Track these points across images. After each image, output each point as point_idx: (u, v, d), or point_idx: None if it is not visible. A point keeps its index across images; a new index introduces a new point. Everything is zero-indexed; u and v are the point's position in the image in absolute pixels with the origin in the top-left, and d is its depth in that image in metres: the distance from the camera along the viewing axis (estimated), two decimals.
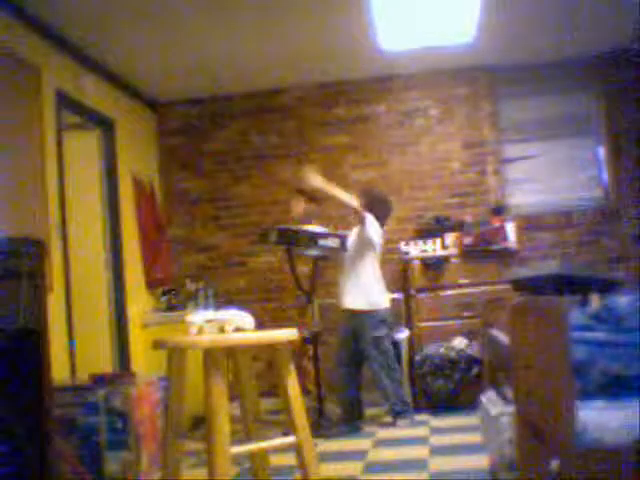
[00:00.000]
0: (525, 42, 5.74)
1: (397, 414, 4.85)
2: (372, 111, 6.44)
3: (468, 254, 5.70)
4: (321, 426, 4.70)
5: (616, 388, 1.92)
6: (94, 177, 5.51)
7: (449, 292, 5.64)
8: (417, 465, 3.65)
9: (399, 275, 6.02)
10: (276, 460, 3.06)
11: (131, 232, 5.84)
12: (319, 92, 6.49)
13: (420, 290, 5.65)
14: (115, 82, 5.74)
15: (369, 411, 5.26)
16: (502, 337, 2.65)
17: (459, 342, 5.32)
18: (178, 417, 2.66)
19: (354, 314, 4.89)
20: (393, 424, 4.85)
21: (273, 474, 2.85)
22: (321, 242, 4.72)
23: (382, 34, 5.31)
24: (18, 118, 4.26)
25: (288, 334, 2.63)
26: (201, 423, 3.32)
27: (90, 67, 5.29)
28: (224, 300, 5.98)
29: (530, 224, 6.11)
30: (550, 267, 2.48)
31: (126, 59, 5.48)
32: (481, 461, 3.27)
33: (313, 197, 5.04)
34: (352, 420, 4.87)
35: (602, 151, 6.22)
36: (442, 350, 5.24)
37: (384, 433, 4.69)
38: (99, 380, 3.65)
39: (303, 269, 5.39)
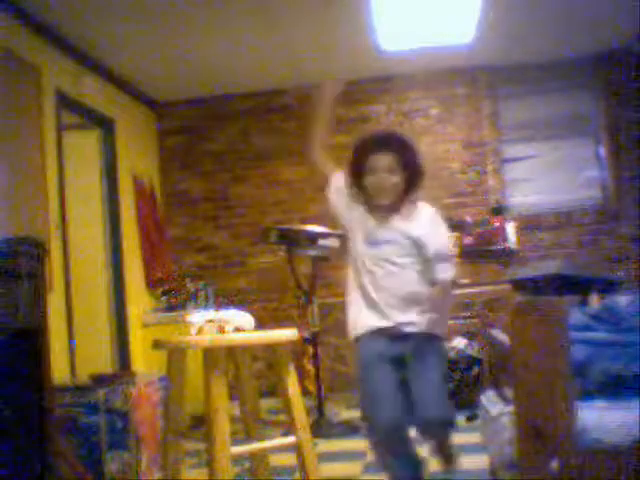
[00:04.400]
0: (525, 42, 5.74)
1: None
2: (372, 111, 6.44)
3: (468, 254, 5.69)
4: (321, 426, 4.69)
5: (616, 388, 1.92)
6: (94, 177, 5.51)
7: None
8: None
9: None
10: (276, 460, 3.06)
11: (131, 232, 5.84)
12: (319, 92, 6.47)
13: None
14: (115, 82, 5.74)
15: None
16: (502, 337, 2.65)
17: (459, 342, 5.31)
18: (178, 417, 2.66)
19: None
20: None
21: (273, 474, 2.85)
22: (321, 242, 4.71)
23: (382, 34, 5.31)
24: (18, 118, 4.26)
25: (288, 334, 2.63)
26: (201, 423, 3.32)
27: (90, 67, 5.29)
28: (224, 300, 5.97)
29: (530, 224, 6.11)
30: (550, 267, 2.48)
31: (126, 59, 5.48)
32: (481, 461, 3.27)
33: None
34: None
35: (602, 151, 6.22)
36: None
37: None
38: (99, 380, 3.65)
39: (303, 269, 5.38)
